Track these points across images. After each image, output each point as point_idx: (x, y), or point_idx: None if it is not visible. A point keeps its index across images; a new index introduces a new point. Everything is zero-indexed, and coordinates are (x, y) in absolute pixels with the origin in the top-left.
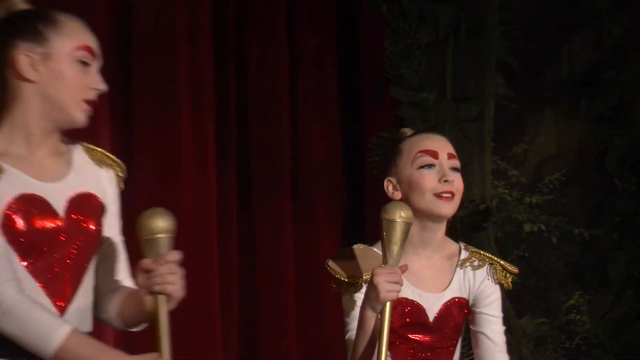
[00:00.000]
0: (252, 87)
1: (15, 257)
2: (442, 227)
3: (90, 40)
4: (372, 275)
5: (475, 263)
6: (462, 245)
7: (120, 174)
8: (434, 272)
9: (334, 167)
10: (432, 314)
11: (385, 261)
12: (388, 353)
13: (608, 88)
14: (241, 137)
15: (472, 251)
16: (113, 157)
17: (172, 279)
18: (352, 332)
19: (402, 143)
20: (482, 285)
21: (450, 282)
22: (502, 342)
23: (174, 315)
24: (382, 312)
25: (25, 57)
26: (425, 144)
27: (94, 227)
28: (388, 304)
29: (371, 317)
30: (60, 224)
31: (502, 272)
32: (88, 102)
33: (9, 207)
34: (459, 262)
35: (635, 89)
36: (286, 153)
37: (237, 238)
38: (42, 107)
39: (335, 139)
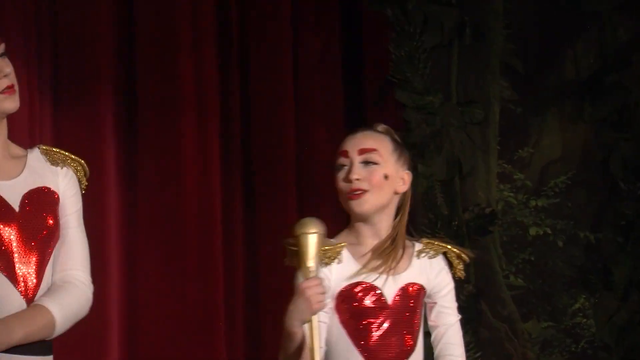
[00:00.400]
0: (256, 89)
1: None
2: (384, 218)
3: None
4: (301, 289)
5: (431, 252)
6: (416, 237)
7: (79, 172)
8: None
9: None
10: (390, 298)
11: (306, 274)
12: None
13: (612, 91)
14: (245, 139)
15: (426, 242)
16: (73, 156)
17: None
18: None
19: None
20: (438, 276)
21: (407, 268)
22: (456, 333)
23: (177, 316)
24: (311, 324)
25: None
26: (341, 146)
27: (51, 221)
28: (314, 319)
29: (299, 330)
30: (16, 218)
31: (457, 259)
32: (6, 88)
33: None
34: (415, 253)
35: (639, 92)
36: (290, 155)
37: (242, 239)
38: None
39: (340, 142)
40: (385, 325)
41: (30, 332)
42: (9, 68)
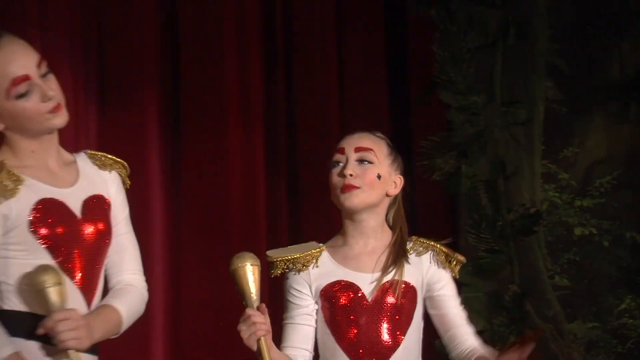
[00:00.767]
0: (301, 91)
1: (48, 256)
2: (372, 217)
3: (17, 68)
4: (245, 317)
5: (420, 249)
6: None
7: (123, 174)
8: (373, 257)
9: None
10: (370, 295)
11: (248, 304)
12: None
13: None
14: (290, 141)
15: (415, 240)
16: (115, 158)
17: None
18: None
19: None
20: (430, 269)
21: (394, 266)
22: (463, 316)
23: (221, 317)
24: (261, 342)
25: None
26: (338, 144)
27: (105, 227)
28: (263, 340)
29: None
30: (79, 224)
31: (445, 258)
32: (53, 109)
33: (35, 212)
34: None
35: None
36: None
37: (287, 243)
38: (23, 136)
39: None
40: (366, 322)
41: (106, 330)
42: (52, 91)
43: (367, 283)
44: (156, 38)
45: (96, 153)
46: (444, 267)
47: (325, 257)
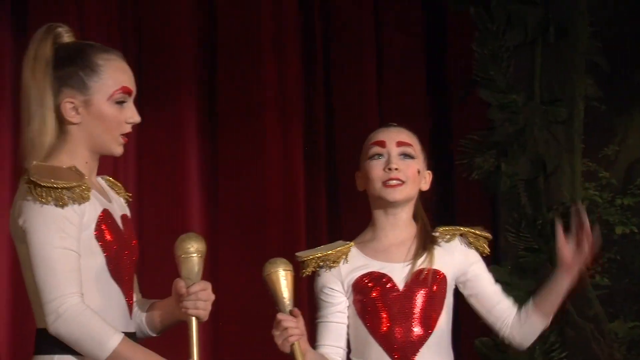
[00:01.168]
0: (339, 90)
1: (103, 262)
2: (405, 210)
3: (127, 80)
4: (277, 322)
5: (447, 237)
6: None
7: (126, 196)
8: (403, 249)
9: None
10: (401, 284)
11: (280, 309)
12: None
13: None
14: (329, 140)
15: (441, 230)
16: (118, 183)
17: (202, 305)
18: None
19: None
20: (460, 254)
21: (424, 252)
22: (499, 291)
23: (260, 318)
24: (294, 346)
25: (69, 103)
26: (376, 136)
27: (137, 244)
28: (296, 345)
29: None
30: (125, 237)
31: (476, 238)
32: (126, 135)
33: (100, 220)
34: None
35: None
36: None
37: (326, 243)
38: (87, 142)
39: (424, 142)
40: (398, 311)
41: None
42: (136, 118)
43: (398, 273)
44: (194, 38)
45: (109, 178)
46: (473, 247)
47: (354, 252)
